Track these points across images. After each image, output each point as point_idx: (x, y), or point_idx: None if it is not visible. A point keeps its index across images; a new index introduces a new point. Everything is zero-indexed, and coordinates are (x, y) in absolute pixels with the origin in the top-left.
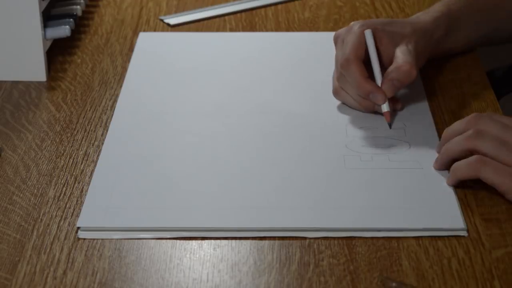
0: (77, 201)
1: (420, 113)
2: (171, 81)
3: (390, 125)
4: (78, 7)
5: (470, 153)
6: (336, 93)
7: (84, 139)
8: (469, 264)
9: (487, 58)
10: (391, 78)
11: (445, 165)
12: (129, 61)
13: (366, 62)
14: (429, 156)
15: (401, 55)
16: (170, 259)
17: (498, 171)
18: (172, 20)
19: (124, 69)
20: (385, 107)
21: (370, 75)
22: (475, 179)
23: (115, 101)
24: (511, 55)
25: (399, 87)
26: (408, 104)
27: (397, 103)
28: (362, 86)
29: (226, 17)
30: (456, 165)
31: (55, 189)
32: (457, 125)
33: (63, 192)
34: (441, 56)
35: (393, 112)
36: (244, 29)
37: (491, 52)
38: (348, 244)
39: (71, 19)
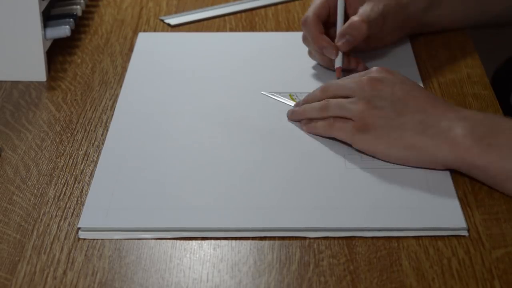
0: (77, 201)
1: None
2: (171, 81)
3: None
4: (78, 7)
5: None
6: (309, 53)
7: (84, 139)
8: (469, 264)
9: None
10: (343, 33)
11: (298, 120)
12: (129, 61)
13: (333, 22)
14: None
15: (360, 12)
16: (170, 259)
17: (340, 129)
18: (173, 20)
19: (124, 69)
20: (337, 63)
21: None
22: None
23: (115, 101)
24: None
25: (352, 42)
26: None
27: (359, 64)
28: (316, 41)
29: (226, 17)
30: (316, 124)
31: (55, 189)
32: (315, 92)
33: (63, 192)
34: (427, 30)
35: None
36: (244, 29)
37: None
38: (348, 244)
39: (71, 19)
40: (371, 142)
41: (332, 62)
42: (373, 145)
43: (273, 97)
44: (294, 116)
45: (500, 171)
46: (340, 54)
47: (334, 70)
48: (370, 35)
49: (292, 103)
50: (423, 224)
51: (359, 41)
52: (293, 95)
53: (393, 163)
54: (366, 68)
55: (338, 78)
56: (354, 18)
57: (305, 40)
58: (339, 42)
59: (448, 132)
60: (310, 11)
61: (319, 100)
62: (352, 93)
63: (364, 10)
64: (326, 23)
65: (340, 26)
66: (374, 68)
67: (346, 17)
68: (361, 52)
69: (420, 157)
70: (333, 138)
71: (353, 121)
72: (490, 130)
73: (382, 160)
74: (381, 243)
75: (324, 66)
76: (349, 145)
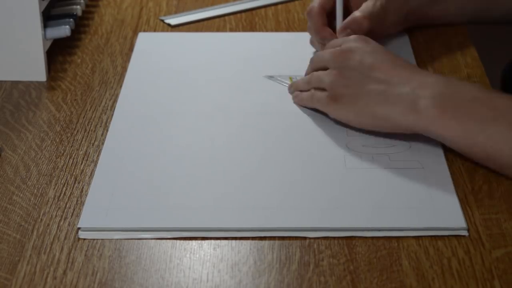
0: (77, 201)
1: None
2: (171, 81)
3: None
4: (78, 7)
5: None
6: (311, 43)
7: (84, 139)
8: (469, 264)
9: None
10: (345, 27)
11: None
12: (129, 61)
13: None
14: (430, 156)
15: (363, 6)
16: (170, 259)
17: (318, 100)
18: (173, 20)
19: (124, 69)
20: None
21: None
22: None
23: (115, 101)
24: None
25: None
26: None
27: None
28: (319, 32)
29: (226, 17)
30: (302, 95)
31: (55, 189)
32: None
33: (63, 192)
34: (431, 23)
35: None
36: (244, 29)
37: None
38: (348, 244)
39: (71, 19)
40: (342, 111)
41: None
42: (344, 114)
43: (273, 80)
44: (291, 89)
45: (466, 143)
46: None
47: None
48: (371, 29)
49: None
50: (423, 224)
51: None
52: (293, 78)
53: (368, 130)
54: None
55: None
56: (356, 14)
57: (309, 29)
58: (340, 35)
59: (411, 101)
60: (316, 2)
61: (309, 73)
62: (327, 64)
63: (367, 5)
64: (330, 15)
65: (339, 20)
66: (352, 37)
67: (349, 10)
68: None
69: (386, 125)
70: (333, 138)
71: (326, 92)
72: (453, 99)
73: (355, 128)
74: (381, 243)
75: None
76: (348, 144)
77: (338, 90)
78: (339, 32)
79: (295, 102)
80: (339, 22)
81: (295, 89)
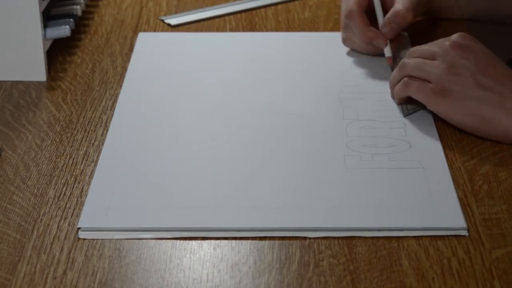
0: (77, 201)
1: (420, 112)
2: (171, 81)
3: (392, 69)
4: (78, 7)
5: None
6: (345, 41)
7: (84, 139)
8: (469, 264)
9: None
10: (389, 21)
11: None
12: (129, 61)
13: (371, 11)
14: (430, 155)
15: (400, 1)
16: (170, 259)
17: (417, 90)
18: (173, 20)
19: (124, 69)
20: (387, 52)
21: (374, 23)
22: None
23: (115, 101)
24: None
25: (397, 30)
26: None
27: (400, 37)
28: (364, 34)
29: (226, 17)
30: (395, 88)
31: (55, 189)
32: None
33: (63, 192)
34: (437, 16)
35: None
36: (244, 29)
37: None
38: (348, 244)
39: (71, 19)
40: (446, 107)
41: (376, 50)
42: (448, 111)
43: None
44: (391, 91)
45: None
46: (388, 44)
47: (371, 55)
48: None
49: None
50: (423, 224)
51: (403, 28)
52: None
53: (464, 131)
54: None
55: (391, 67)
56: (398, 7)
57: (347, 30)
58: (384, 29)
59: None
60: (353, 4)
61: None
62: (434, 55)
63: (404, 0)
64: (367, 14)
65: (380, 16)
66: (457, 34)
67: (384, 7)
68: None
69: (493, 131)
70: (333, 138)
71: (431, 84)
72: None
73: (454, 125)
74: (381, 243)
75: (365, 53)
76: (348, 144)
77: (447, 85)
78: (383, 27)
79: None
80: (380, 18)
81: (391, 85)
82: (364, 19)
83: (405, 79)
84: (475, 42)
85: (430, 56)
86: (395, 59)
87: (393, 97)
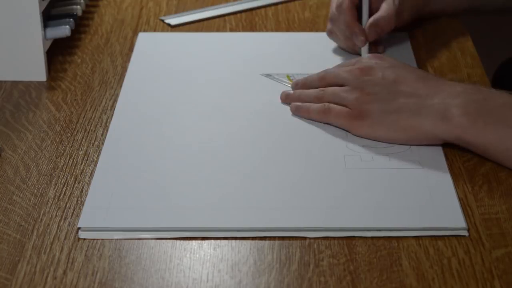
0: (77, 201)
1: None
2: (171, 81)
3: None
4: (78, 7)
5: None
6: (329, 33)
7: (84, 139)
8: (469, 264)
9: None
10: (373, 25)
11: (291, 103)
12: (129, 61)
13: (359, 10)
14: (430, 156)
15: (385, 5)
16: (170, 259)
17: (337, 116)
18: (173, 20)
19: (124, 69)
20: (364, 53)
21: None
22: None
23: (115, 101)
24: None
25: (380, 33)
26: None
27: (379, 47)
28: (350, 26)
29: (226, 17)
30: (310, 107)
31: (55, 189)
32: (312, 77)
33: (63, 192)
34: (429, 16)
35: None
36: (244, 29)
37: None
38: (348, 244)
39: (71, 19)
40: (369, 128)
41: (355, 48)
42: (371, 131)
43: (270, 78)
44: (289, 100)
45: (499, 149)
46: (367, 45)
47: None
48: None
49: (289, 84)
50: (423, 224)
51: (386, 32)
52: (291, 76)
53: (397, 144)
54: (384, 49)
55: None
56: (382, 11)
57: (334, 22)
58: (369, 31)
59: (443, 111)
60: None
61: (316, 87)
62: (346, 82)
63: (388, 3)
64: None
65: (365, 17)
66: (365, 56)
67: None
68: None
69: (418, 137)
70: (333, 138)
71: (349, 109)
72: (483, 106)
73: (384, 143)
74: (381, 243)
75: (343, 49)
76: (348, 145)
77: (364, 107)
78: (368, 28)
79: (297, 114)
80: (365, 18)
81: (298, 101)
82: (353, 12)
83: (325, 104)
84: (381, 59)
85: (341, 82)
86: None
87: (284, 102)
